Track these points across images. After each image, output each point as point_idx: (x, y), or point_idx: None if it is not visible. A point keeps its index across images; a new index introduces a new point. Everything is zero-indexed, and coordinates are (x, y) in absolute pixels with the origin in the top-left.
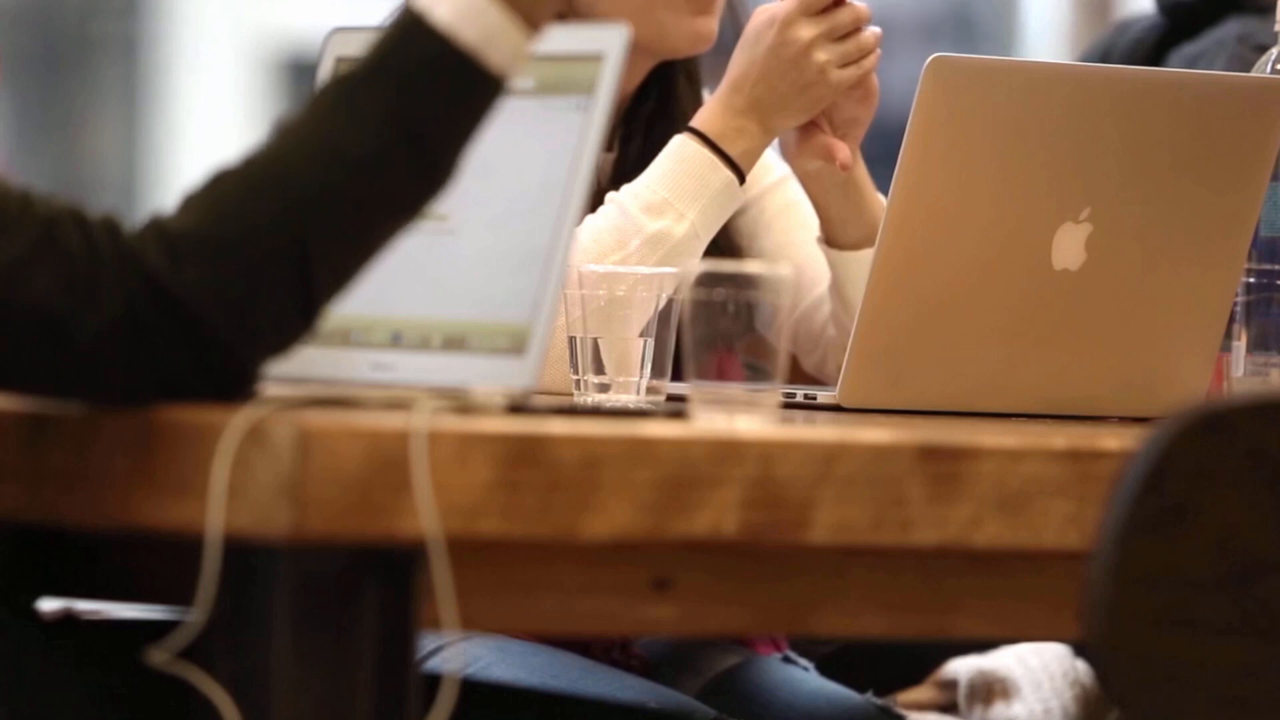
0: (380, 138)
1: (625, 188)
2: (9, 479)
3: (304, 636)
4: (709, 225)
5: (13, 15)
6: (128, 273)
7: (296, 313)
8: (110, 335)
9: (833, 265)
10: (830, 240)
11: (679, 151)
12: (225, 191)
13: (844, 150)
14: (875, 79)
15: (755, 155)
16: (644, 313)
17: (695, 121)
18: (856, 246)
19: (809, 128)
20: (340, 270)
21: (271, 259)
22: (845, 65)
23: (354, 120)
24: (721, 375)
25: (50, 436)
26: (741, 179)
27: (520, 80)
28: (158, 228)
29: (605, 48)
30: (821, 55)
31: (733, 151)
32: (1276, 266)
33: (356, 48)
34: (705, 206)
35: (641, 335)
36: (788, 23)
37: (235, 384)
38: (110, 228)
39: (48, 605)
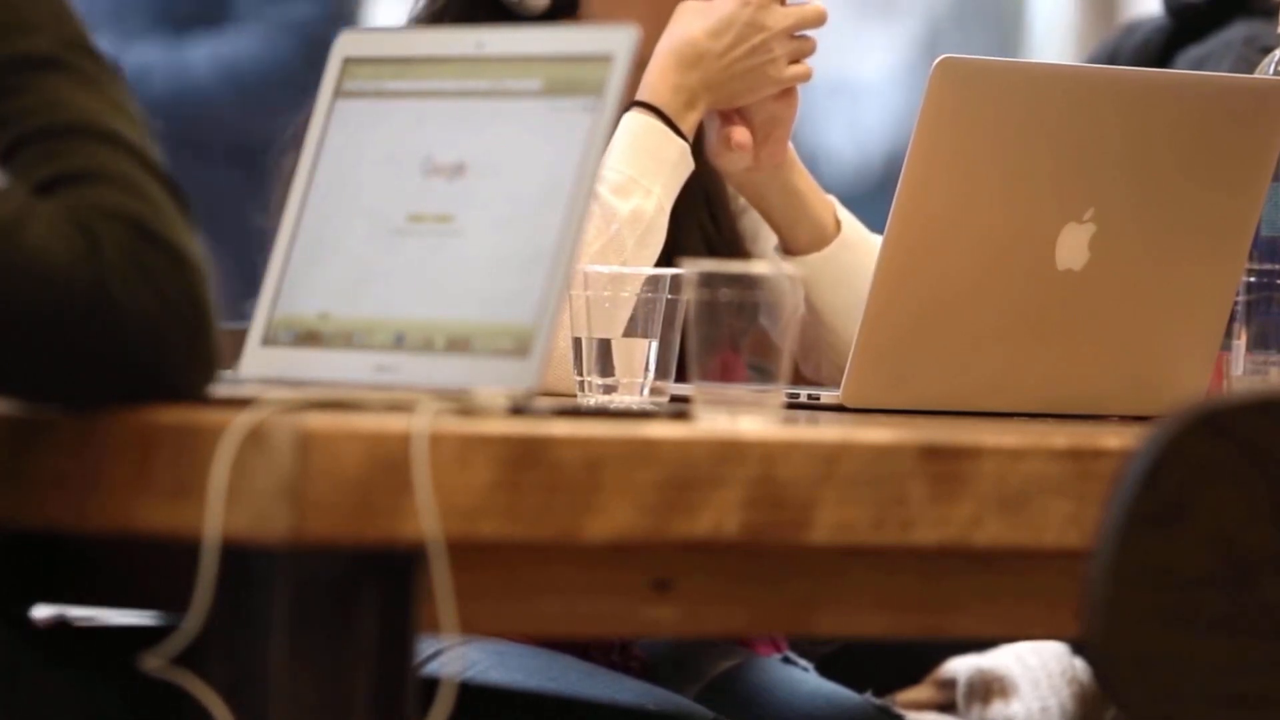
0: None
1: None
2: (1, 482)
3: (301, 641)
4: (671, 196)
5: None
6: (119, 223)
7: (186, 211)
8: (115, 277)
9: None
10: (785, 248)
11: (633, 128)
12: (73, 146)
13: (739, 131)
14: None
15: (696, 127)
16: (648, 313)
17: (646, 94)
18: (807, 250)
19: (726, 119)
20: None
21: (148, 173)
22: (790, 63)
23: (54, 64)
24: (726, 376)
25: (43, 439)
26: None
27: (528, 81)
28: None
29: (613, 49)
30: (779, 47)
31: (684, 126)
32: (1277, 266)
33: (365, 49)
34: (666, 180)
35: (646, 336)
36: (764, 5)
37: (213, 302)
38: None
39: (41, 612)
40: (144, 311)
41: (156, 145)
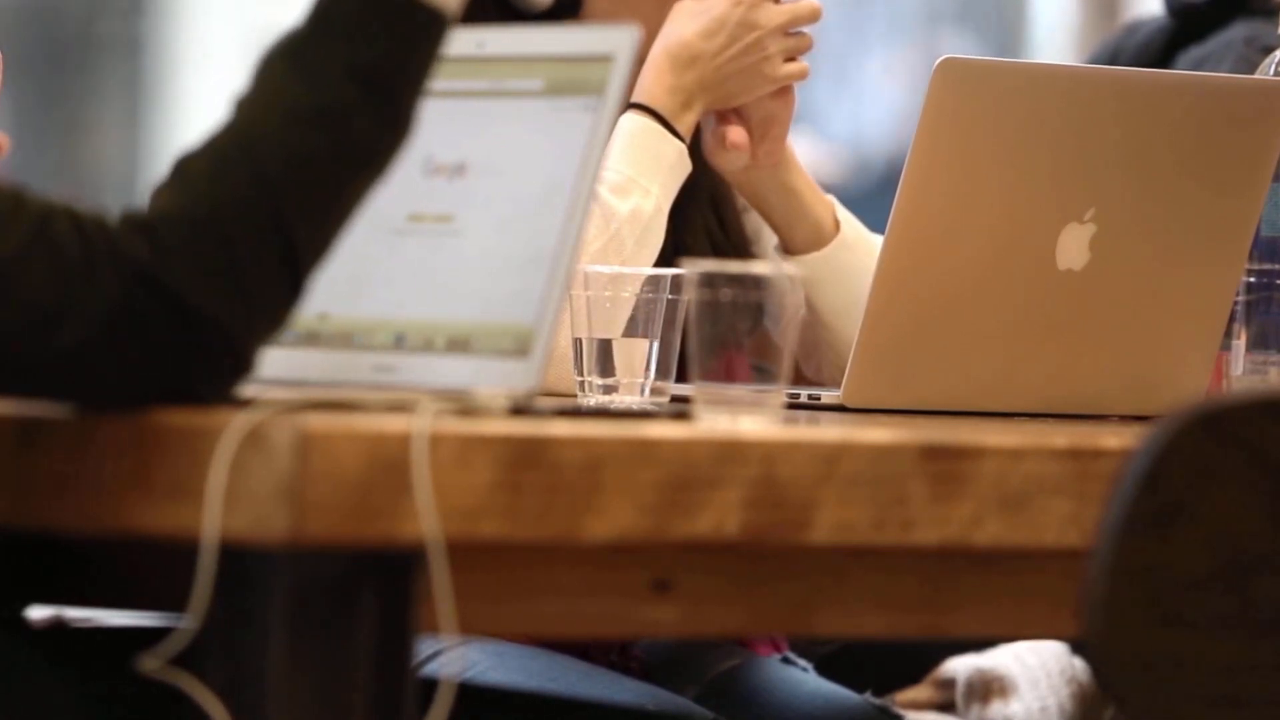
0: (337, 90)
1: None
2: (1, 483)
3: (300, 642)
4: (669, 196)
5: (16, 15)
6: (120, 265)
7: (283, 281)
8: (105, 329)
9: None
10: (784, 247)
11: (630, 129)
12: (192, 171)
13: (734, 131)
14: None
15: (693, 128)
16: (648, 313)
17: (641, 96)
18: (805, 250)
19: (723, 119)
20: (319, 232)
21: (249, 228)
22: (786, 61)
23: (308, 77)
24: (730, 376)
25: (42, 440)
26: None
27: (529, 81)
28: (132, 218)
29: (614, 49)
30: (773, 45)
31: (681, 127)
32: (1276, 266)
33: None
34: (664, 180)
35: (646, 336)
36: (756, 4)
37: (232, 368)
38: (100, 223)
39: (38, 613)
40: (127, 365)
41: (349, 203)
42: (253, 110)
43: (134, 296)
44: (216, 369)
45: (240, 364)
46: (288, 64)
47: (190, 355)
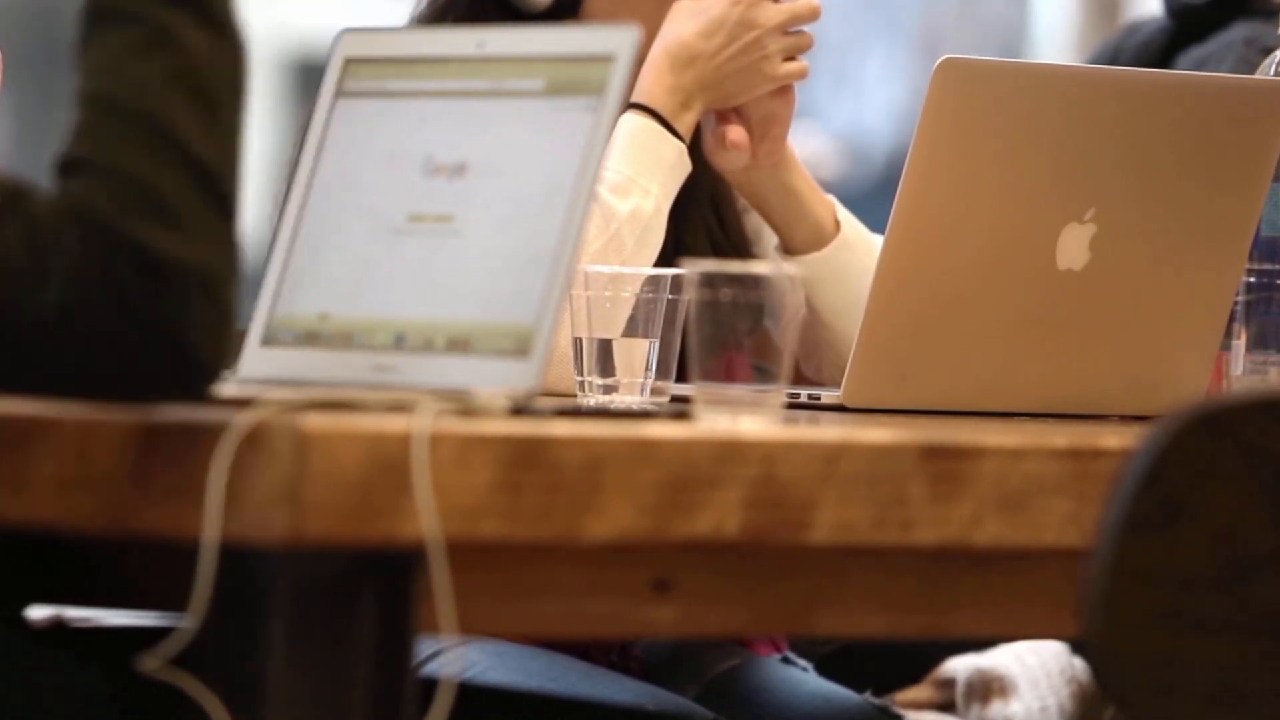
0: (153, 17)
1: None
2: (1, 482)
3: (300, 642)
4: (669, 196)
5: (16, 15)
6: (84, 223)
7: (207, 200)
8: (78, 291)
9: None
10: (784, 247)
11: (629, 129)
12: (78, 146)
13: (734, 130)
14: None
15: (693, 127)
16: (648, 313)
17: (640, 97)
18: (806, 250)
19: (723, 118)
20: (212, 144)
21: (144, 159)
22: (786, 60)
23: (121, 19)
24: (730, 376)
25: (44, 439)
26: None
27: (530, 81)
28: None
29: (615, 49)
30: (772, 44)
31: (680, 127)
32: (1276, 266)
33: (367, 49)
34: (664, 179)
35: (646, 336)
36: (754, 3)
37: (205, 305)
38: (57, 196)
39: (38, 613)
40: (107, 332)
41: (228, 114)
42: (89, 64)
43: (93, 250)
44: (189, 309)
45: (213, 302)
46: (99, 17)
47: (158, 297)
